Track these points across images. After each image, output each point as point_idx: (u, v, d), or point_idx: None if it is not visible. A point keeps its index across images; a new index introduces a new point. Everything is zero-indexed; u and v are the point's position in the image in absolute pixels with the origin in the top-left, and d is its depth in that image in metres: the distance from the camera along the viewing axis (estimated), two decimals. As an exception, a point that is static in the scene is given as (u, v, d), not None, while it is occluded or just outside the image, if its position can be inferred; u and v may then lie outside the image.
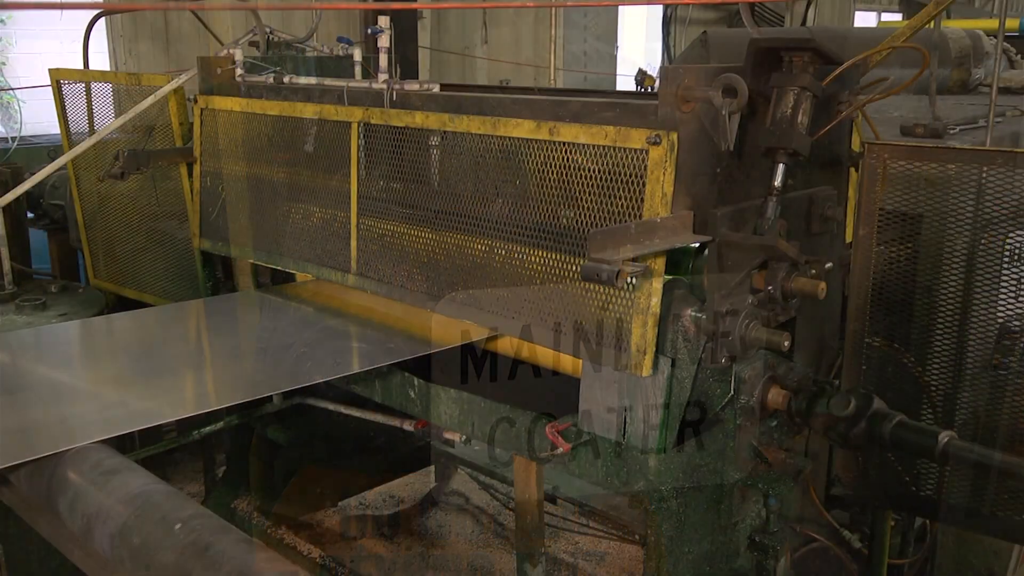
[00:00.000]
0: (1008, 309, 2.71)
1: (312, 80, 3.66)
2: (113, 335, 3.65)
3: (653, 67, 12.19)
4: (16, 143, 8.99)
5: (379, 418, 3.87)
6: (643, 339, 2.39)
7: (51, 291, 4.51)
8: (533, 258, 2.71)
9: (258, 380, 3.01)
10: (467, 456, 5.44)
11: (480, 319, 2.90)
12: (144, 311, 3.96)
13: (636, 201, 2.43)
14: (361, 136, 3.30)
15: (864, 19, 20.31)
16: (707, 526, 2.72)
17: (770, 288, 2.51)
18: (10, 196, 4.35)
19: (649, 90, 10.10)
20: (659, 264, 2.37)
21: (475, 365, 3.24)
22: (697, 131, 2.40)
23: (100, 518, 2.20)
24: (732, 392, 2.60)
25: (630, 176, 2.44)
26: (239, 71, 3.97)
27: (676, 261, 2.57)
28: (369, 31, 3.88)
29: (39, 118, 9.06)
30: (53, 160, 4.55)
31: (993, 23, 10.23)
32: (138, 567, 2.06)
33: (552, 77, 6.02)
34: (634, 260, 2.15)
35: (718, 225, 2.41)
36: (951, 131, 4.24)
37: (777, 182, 2.49)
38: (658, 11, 15.19)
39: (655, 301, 2.38)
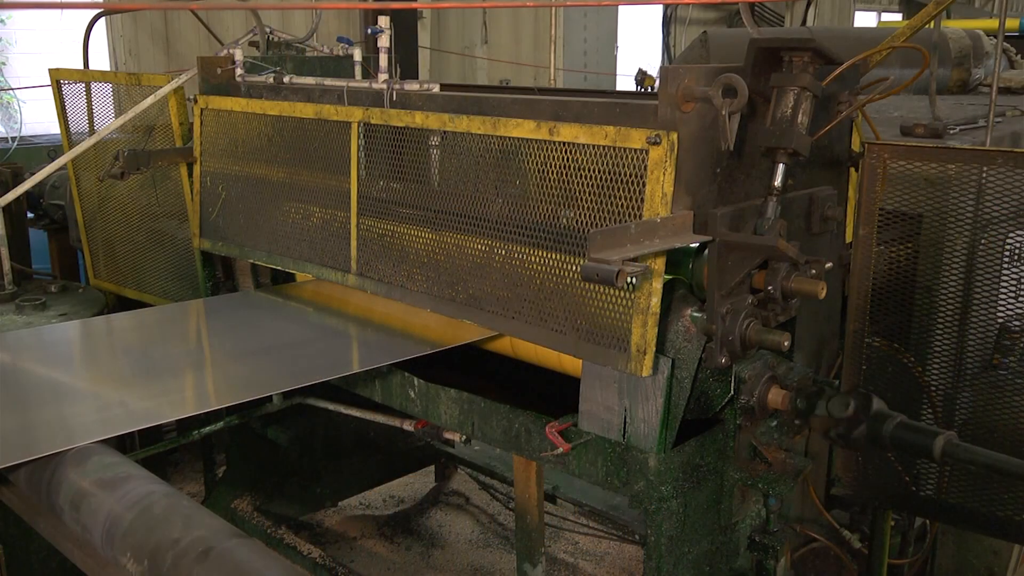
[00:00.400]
0: (1008, 309, 2.71)
1: (312, 80, 3.66)
2: (113, 335, 3.65)
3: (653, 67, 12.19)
4: (16, 143, 8.99)
5: (379, 418, 3.87)
6: (643, 339, 2.39)
7: (51, 291, 4.51)
8: (533, 258, 2.71)
9: (258, 380, 3.01)
10: (467, 456, 5.45)
11: (480, 319, 2.90)
12: (144, 311, 3.96)
13: (636, 201, 2.43)
14: (361, 136, 3.30)
15: (864, 19, 20.32)
16: (707, 526, 2.72)
17: (770, 288, 2.51)
18: (10, 196, 4.35)
19: (649, 90, 10.10)
20: (659, 264, 2.37)
21: (475, 365, 3.24)
22: (697, 131, 2.40)
23: (100, 518, 2.20)
24: (732, 392, 2.60)
25: (630, 176, 2.44)
26: (239, 71, 3.97)
27: (676, 261, 2.57)
28: (369, 31, 3.88)
29: (39, 118, 9.06)
30: (53, 160, 4.55)
31: (993, 23, 10.24)
32: (138, 567, 2.06)
33: (552, 77, 6.02)
34: (634, 260, 2.15)
35: (718, 225, 2.41)
36: (951, 131, 4.24)
37: (777, 182, 2.49)
38: (658, 11, 15.19)
39: (655, 301, 2.38)
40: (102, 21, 7.15)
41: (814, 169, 2.84)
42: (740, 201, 2.55)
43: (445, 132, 3.00)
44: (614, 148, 2.48)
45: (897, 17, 20.28)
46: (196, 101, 3.99)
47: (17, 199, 4.56)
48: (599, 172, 2.52)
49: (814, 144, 2.55)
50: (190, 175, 4.04)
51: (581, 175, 2.57)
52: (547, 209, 2.69)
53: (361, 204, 3.31)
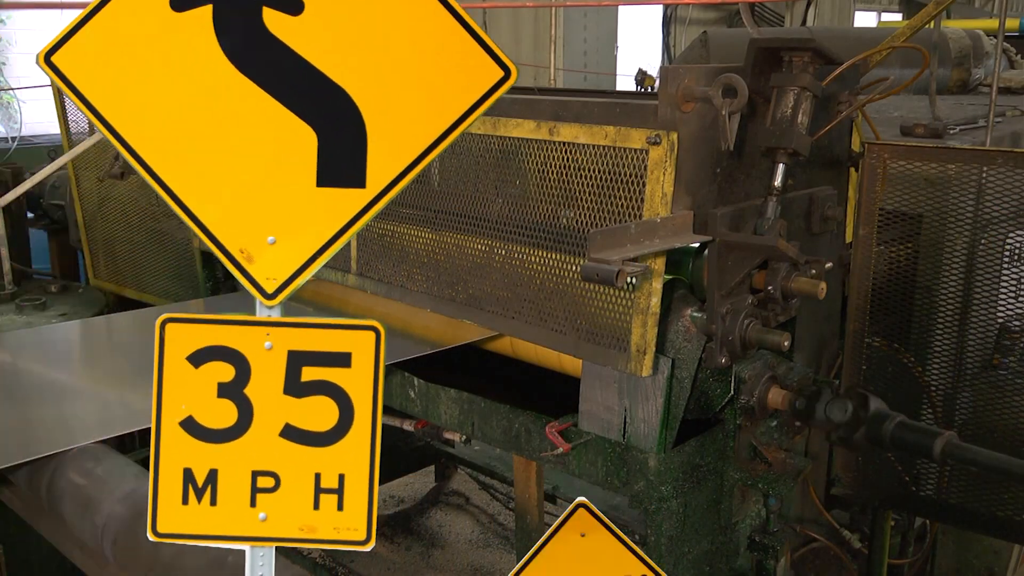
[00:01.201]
0: (1008, 309, 2.72)
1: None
2: (113, 335, 3.65)
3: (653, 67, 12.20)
4: (16, 143, 8.99)
5: (379, 418, 3.87)
6: (643, 339, 2.39)
7: (51, 291, 4.51)
8: (533, 258, 2.71)
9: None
10: (467, 456, 5.45)
11: (480, 319, 2.90)
12: (144, 311, 3.96)
13: (636, 201, 2.43)
14: (361, 136, 3.30)
15: (864, 19, 20.34)
16: (707, 526, 2.72)
17: (770, 288, 2.51)
18: (10, 196, 4.36)
19: (649, 90, 10.11)
20: (659, 264, 2.37)
21: (475, 365, 3.23)
22: (697, 131, 2.40)
23: (100, 518, 2.20)
24: (732, 392, 2.60)
25: (630, 176, 2.44)
26: (239, 71, 3.96)
27: (676, 261, 2.57)
28: (369, 31, 3.87)
29: (39, 118, 9.06)
30: (53, 160, 4.55)
31: (993, 23, 10.24)
32: (138, 566, 2.06)
33: (552, 77, 6.02)
34: (634, 260, 2.15)
35: (718, 225, 2.41)
36: (951, 131, 4.24)
37: (777, 182, 2.49)
38: (658, 11, 15.20)
39: (655, 301, 2.38)
40: (102, 21, 7.14)
41: (814, 169, 2.84)
42: (740, 201, 2.54)
43: (445, 132, 2.99)
44: (614, 148, 2.48)
45: (897, 17, 20.30)
46: (196, 101, 3.98)
47: (17, 199, 4.56)
48: (599, 172, 2.52)
49: (814, 144, 2.55)
50: (190, 175, 4.03)
51: (581, 175, 2.57)
52: (547, 209, 2.69)
53: (361, 204, 3.30)
